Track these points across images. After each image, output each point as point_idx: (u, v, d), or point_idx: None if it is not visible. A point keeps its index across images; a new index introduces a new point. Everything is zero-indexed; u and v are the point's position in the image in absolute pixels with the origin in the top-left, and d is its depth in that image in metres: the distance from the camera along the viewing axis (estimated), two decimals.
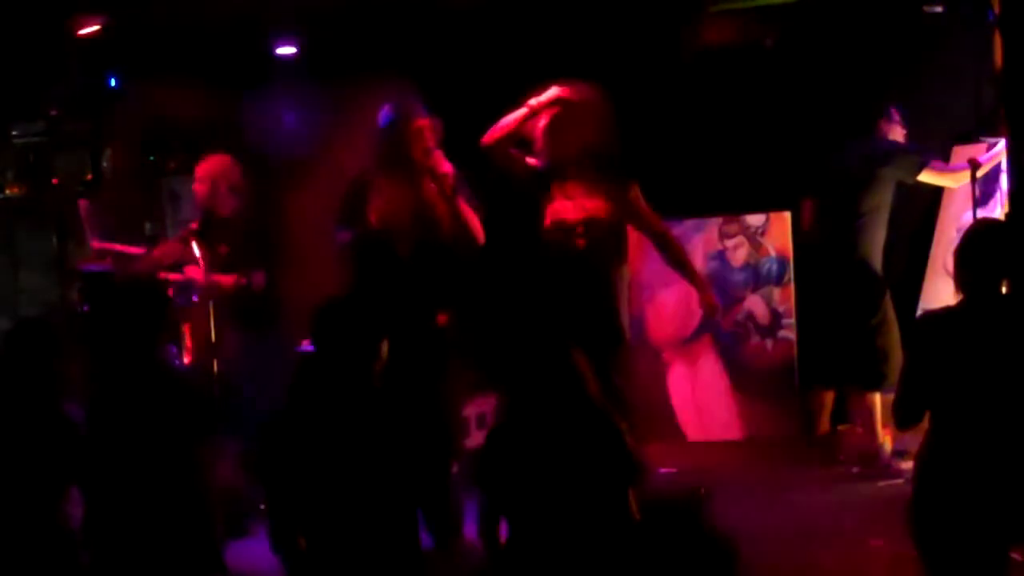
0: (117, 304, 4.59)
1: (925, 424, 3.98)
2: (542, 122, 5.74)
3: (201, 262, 6.05)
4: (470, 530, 3.98)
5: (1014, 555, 4.42)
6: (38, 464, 4.26)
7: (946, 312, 4.11)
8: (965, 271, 3.97)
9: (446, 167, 5.55)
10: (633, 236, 5.96)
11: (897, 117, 6.66)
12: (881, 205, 6.59)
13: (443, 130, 5.64)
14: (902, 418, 4.00)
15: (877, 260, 6.59)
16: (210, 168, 6.37)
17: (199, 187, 6.36)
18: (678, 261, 5.95)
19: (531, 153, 5.80)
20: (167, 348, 4.56)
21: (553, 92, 5.67)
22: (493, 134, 5.71)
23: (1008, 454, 3.78)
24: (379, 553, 3.74)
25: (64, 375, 4.40)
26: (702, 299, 5.91)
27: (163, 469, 4.21)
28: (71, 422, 4.34)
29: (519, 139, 5.78)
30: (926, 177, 6.64)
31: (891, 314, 6.52)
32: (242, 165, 6.44)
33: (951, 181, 6.69)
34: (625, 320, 5.77)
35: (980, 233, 4.11)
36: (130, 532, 4.18)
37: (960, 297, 3.98)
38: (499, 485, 3.79)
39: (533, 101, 5.70)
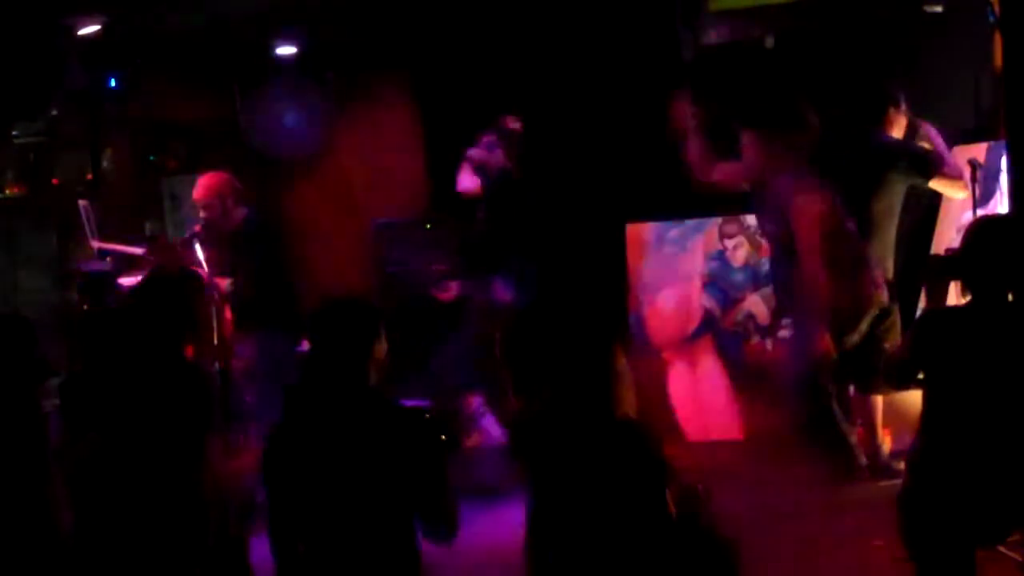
0: (154, 294, 4.50)
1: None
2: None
3: (205, 264, 6.07)
4: (466, 531, 3.95)
5: (1013, 554, 4.43)
6: (25, 458, 4.25)
7: (952, 312, 4.11)
8: (970, 270, 3.96)
9: None
10: (632, 235, 5.96)
11: (905, 106, 6.57)
12: (891, 207, 6.50)
13: None
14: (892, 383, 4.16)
15: (888, 263, 6.55)
16: (212, 187, 6.39)
17: (206, 208, 6.37)
18: None
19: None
20: (189, 343, 4.49)
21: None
22: None
23: (999, 455, 3.79)
24: (375, 557, 3.72)
25: (43, 368, 4.38)
26: None
27: (170, 467, 4.19)
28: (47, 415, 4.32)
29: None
30: (937, 184, 6.52)
31: (898, 317, 6.47)
32: (242, 169, 6.48)
33: (959, 191, 6.52)
34: None
35: (984, 231, 4.09)
36: (129, 532, 4.17)
37: (966, 298, 3.98)
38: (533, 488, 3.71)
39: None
